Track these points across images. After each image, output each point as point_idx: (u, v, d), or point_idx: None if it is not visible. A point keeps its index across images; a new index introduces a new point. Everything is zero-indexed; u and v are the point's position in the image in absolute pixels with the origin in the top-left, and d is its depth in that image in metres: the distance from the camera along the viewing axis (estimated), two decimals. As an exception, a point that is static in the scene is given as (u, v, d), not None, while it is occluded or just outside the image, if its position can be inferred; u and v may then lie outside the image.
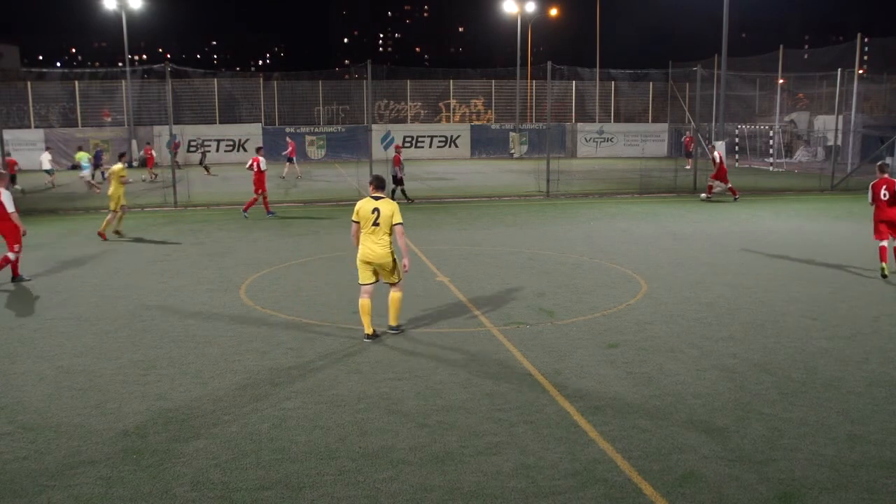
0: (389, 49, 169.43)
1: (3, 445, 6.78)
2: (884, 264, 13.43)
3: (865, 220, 16.14)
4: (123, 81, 43.98)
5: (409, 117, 50.28)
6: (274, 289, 12.85)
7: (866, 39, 35.51)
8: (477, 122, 51.00)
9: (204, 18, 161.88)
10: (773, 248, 16.31)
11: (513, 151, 48.67)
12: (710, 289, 12.55)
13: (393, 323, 9.98)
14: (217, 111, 46.24)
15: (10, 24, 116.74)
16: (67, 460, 6.48)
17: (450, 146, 48.81)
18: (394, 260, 9.60)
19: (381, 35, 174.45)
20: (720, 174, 25.53)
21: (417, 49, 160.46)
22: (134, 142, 42.95)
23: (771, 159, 39.01)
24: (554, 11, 66.88)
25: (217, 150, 44.40)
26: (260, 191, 21.66)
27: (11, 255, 13.28)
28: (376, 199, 9.52)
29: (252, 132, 44.68)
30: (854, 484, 5.98)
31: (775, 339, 9.72)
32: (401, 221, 9.48)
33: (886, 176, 13.59)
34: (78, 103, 44.35)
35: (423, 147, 47.86)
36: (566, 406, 7.53)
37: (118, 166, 19.39)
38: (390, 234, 9.51)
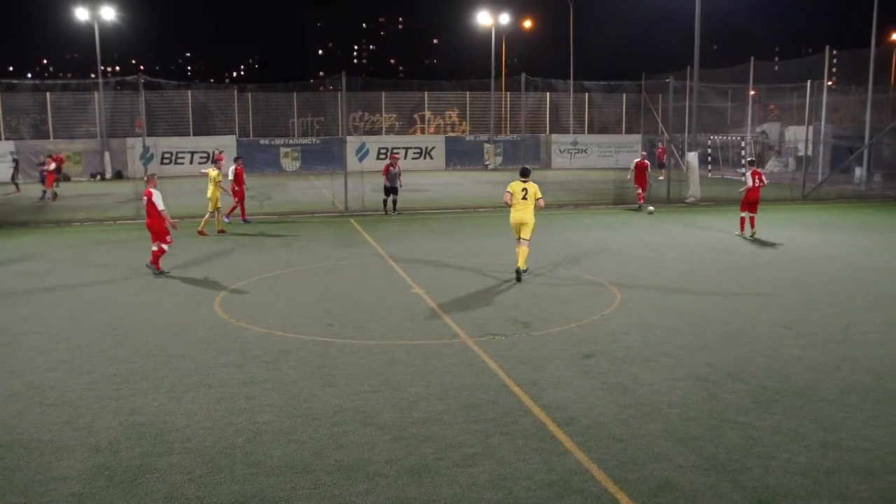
0: (364, 61, 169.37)
1: (-28, 463, 6.67)
2: (743, 232, 19.32)
3: (837, 228, 16.43)
4: (96, 93, 43.60)
5: (383, 129, 50.29)
6: (248, 302, 12.77)
7: (835, 52, 36.05)
8: (452, 134, 51.08)
9: (178, 30, 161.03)
10: (746, 258, 16.48)
11: (487, 163, 48.78)
12: (684, 298, 12.65)
13: (522, 266, 14.24)
14: (191, 123, 45.98)
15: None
16: (38, 477, 6.39)
17: (425, 158, 48.83)
18: (533, 224, 14.14)
19: (356, 47, 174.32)
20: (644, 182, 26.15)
21: (392, 61, 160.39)
22: (107, 154, 42.56)
23: (743, 170, 39.37)
24: (528, 23, 67.35)
25: (191, 161, 44.12)
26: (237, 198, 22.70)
27: (166, 246, 15.32)
28: (524, 181, 14.21)
29: (226, 144, 44.36)
30: (827, 491, 6.04)
31: (749, 348, 9.81)
32: (541, 196, 14.23)
33: (755, 168, 19.49)
34: (49, 115, 43.85)
35: (397, 158, 47.81)
36: (542, 417, 7.54)
37: (214, 171, 21.05)
38: (533, 204, 14.07)
